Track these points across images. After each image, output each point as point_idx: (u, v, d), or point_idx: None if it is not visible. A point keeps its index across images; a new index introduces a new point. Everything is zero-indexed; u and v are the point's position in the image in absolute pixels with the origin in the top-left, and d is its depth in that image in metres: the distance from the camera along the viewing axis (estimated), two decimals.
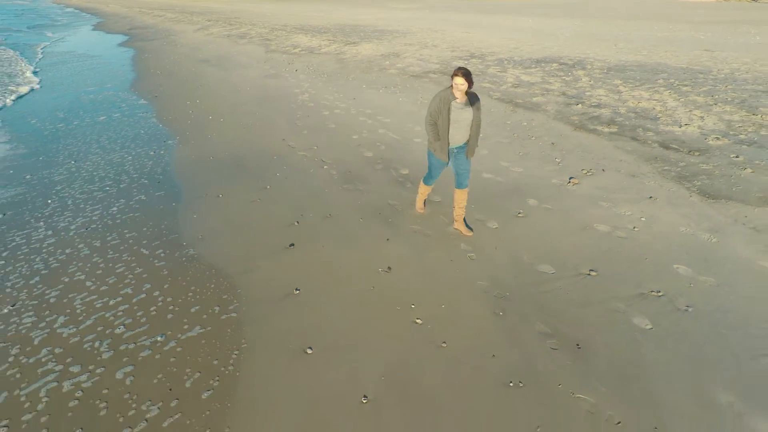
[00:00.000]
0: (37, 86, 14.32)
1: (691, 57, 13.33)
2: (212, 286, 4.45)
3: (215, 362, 3.55)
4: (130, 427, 3.10)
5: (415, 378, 3.29)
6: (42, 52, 21.59)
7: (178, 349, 3.71)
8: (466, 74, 4.29)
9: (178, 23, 33.04)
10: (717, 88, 9.68)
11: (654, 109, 8.54)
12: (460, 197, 4.90)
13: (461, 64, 13.58)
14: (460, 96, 4.40)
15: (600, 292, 3.99)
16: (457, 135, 4.57)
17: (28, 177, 7.34)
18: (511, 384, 3.20)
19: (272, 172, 6.90)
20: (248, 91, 11.97)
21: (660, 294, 3.92)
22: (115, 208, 6.18)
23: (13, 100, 12.45)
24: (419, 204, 5.50)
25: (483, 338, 3.61)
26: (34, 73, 16.48)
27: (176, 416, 3.13)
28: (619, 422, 2.86)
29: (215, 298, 4.27)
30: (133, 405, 3.25)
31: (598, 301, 3.90)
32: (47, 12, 56.94)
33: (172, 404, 3.22)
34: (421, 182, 5.30)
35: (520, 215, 5.35)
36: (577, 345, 3.48)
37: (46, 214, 6.15)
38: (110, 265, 4.91)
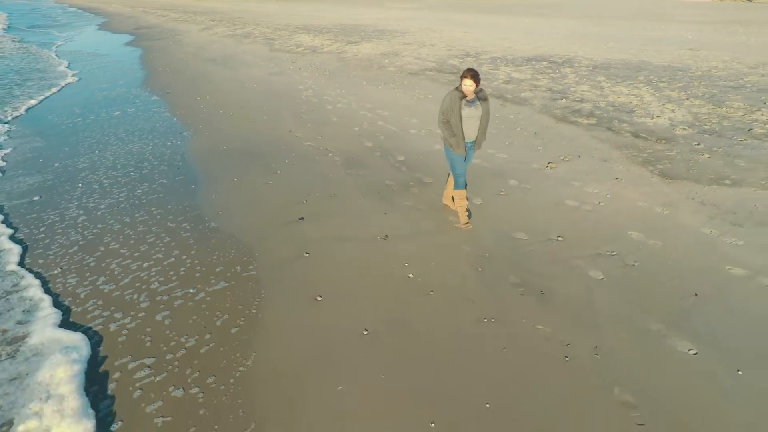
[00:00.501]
0: (74, 78, 15.42)
1: (675, 56, 14.05)
2: (233, 251, 5.16)
3: (240, 307, 4.26)
4: (172, 353, 3.81)
5: (407, 317, 4.00)
6: (56, 51, 22.29)
7: (208, 299, 4.42)
8: (474, 75, 4.64)
9: (183, 23, 33.71)
10: (691, 84, 10.41)
11: (631, 103, 9.27)
12: (460, 192, 5.21)
13: (456, 62, 14.29)
14: (469, 95, 4.79)
15: (564, 253, 4.71)
16: (469, 131, 4.93)
17: (56, 165, 8.05)
18: (485, 320, 3.91)
19: (281, 159, 7.61)
20: (255, 88, 12.68)
21: (614, 253, 4.64)
22: (139, 191, 6.88)
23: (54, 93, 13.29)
24: (463, 219, 5.29)
25: (464, 288, 4.32)
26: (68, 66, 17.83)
27: (211, 345, 3.84)
28: (568, 343, 3.58)
29: (236, 260, 4.98)
30: (174, 338, 3.96)
31: (561, 259, 4.61)
32: (52, 12, 57.49)
33: (207, 337, 3.93)
34: (454, 190, 5.24)
35: (501, 193, 6.06)
36: (541, 291, 4.19)
37: (76, 196, 6.85)
38: (141, 236, 5.62)
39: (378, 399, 3.23)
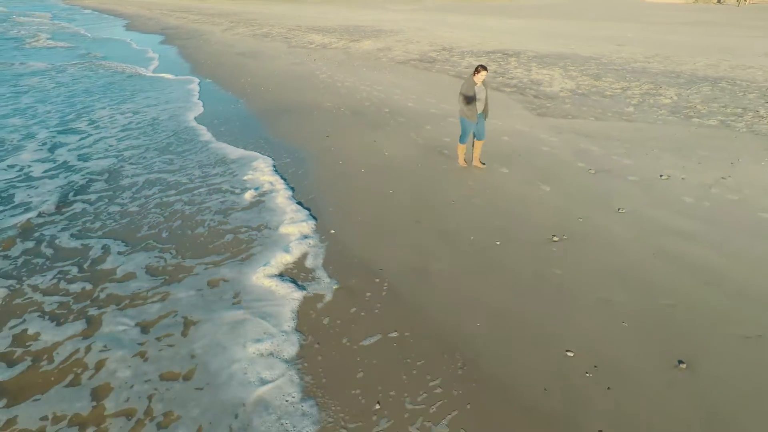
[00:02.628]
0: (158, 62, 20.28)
1: (601, 49, 18.39)
2: (292, 149, 9.50)
3: (301, 163, 8.61)
4: (275, 189, 8.16)
5: (383, 167, 8.33)
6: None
7: (282, 165, 8.76)
8: (486, 68, 7.44)
9: (203, 24, 38.06)
10: (590, 68, 14.77)
11: (543, 79, 13.63)
12: (479, 144, 7.99)
13: (434, 55, 18.67)
14: (480, 82, 7.51)
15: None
16: (480, 106, 7.61)
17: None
18: (418, 165, 8.26)
19: (311, 112, 11.98)
20: (282, 74, 17.04)
21: (489, 144, 9.01)
22: (222, 128, 11.22)
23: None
24: (461, 160, 8.21)
25: (412, 156, 8.67)
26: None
27: (290, 182, 8.20)
28: (454, 169, 7.93)
29: (294, 151, 9.32)
30: (262, 178, 8.31)
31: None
32: (69, 14, 61.67)
33: (285, 175, 8.29)
34: (458, 144, 8.07)
35: (442, 124, 10.42)
36: (448, 155, 8.55)
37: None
38: (235, 142, 9.95)
39: (366, 189, 7.58)
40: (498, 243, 5.84)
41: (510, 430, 3.49)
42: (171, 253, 5.96)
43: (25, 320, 4.82)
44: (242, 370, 4.10)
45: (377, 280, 5.26)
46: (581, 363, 4.02)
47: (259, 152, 9.40)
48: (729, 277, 5.03)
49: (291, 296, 5.05)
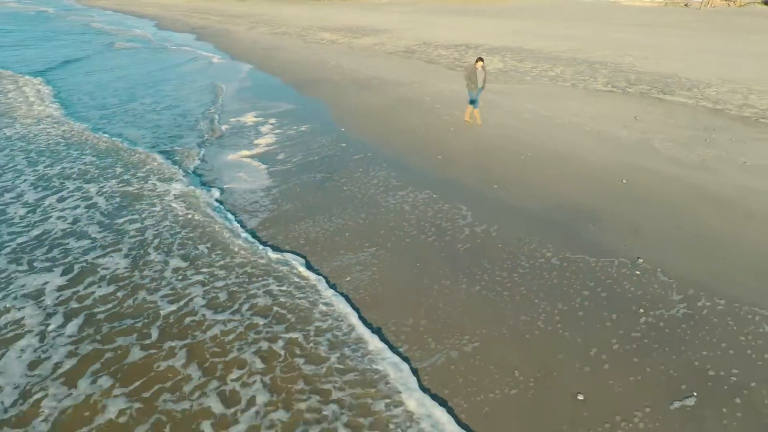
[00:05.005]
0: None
1: (541, 45, 24.43)
2: (317, 101, 15.62)
3: (324, 108, 14.73)
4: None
5: (372, 106, 14.45)
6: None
7: (304, 110, 14.87)
8: (482, 59, 12.39)
9: (227, 24, 44.16)
10: (522, 55, 20.83)
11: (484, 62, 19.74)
12: (476, 110, 12.81)
13: (415, 47, 24.78)
14: (479, 68, 11.81)
15: (426, 102, 15.16)
16: (479, 83, 11.76)
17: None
18: (391, 106, 14.37)
19: (326, 84, 18.08)
20: (302, 62, 23.16)
21: (442, 100, 15.07)
22: (266, 92, 17.36)
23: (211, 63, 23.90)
24: (467, 117, 12.42)
25: (388, 102, 14.76)
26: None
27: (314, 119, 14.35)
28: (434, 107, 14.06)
29: (318, 101, 15.44)
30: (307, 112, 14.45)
31: (422, 101, 15.07)
32: (89, 15, 67.69)
33: (316, 119, 14.43)
34: (468, 105, 12.23)
35: (410, 88, 16.52)
36: (412, 101, 14.67)
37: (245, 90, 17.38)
38: (275, 96, 16.09)
39: (360, 115, 13.66)
40: (423, 130, 11.96)
41: (401, 160, 9.60)
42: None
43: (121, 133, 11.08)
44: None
45: (365, 142, 11.38)
46: (444, 159, 10.14)
47: (290, 104, 15.50)
48: (528, 142, 11.14)
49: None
